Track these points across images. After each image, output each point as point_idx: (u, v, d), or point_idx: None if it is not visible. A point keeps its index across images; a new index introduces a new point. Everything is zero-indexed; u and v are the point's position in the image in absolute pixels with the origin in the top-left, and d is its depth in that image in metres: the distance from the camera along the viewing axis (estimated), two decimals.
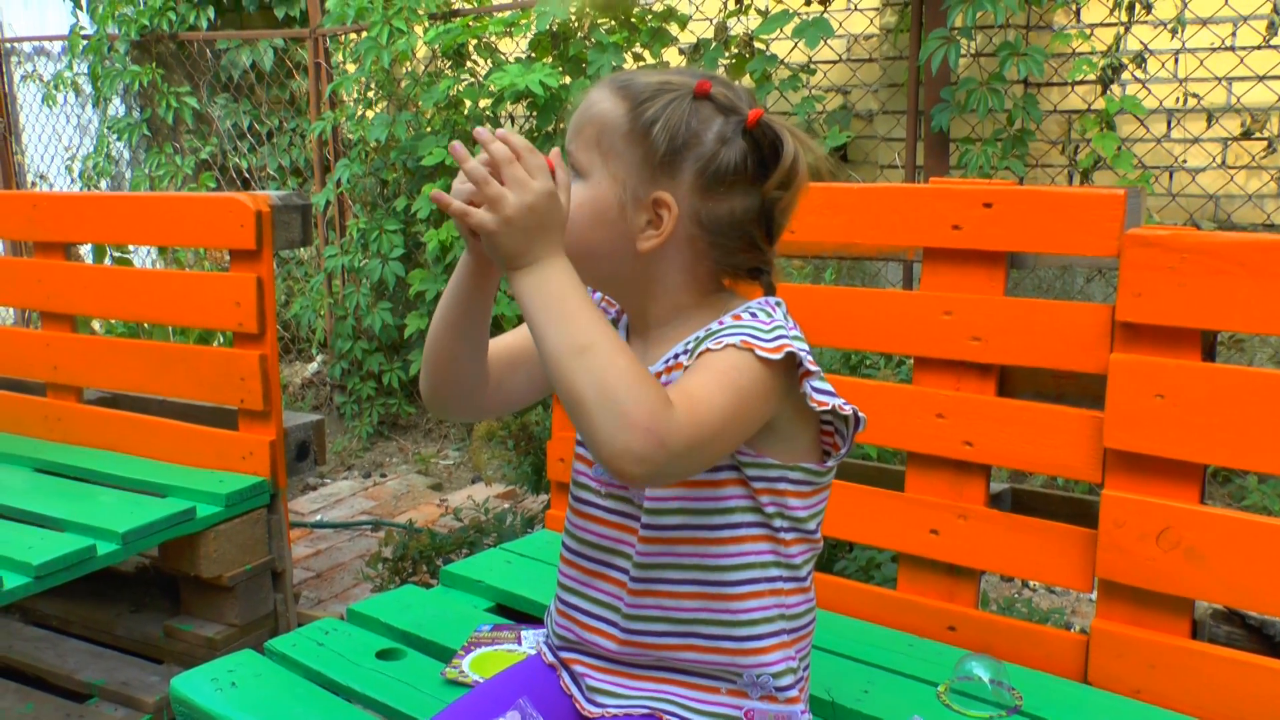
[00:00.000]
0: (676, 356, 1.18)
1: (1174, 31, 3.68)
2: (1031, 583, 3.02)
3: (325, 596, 3.12)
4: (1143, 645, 1.56)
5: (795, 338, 1.13)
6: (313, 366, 5.14)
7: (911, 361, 1.80)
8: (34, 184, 6.39)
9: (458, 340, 1.23)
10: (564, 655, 1.31)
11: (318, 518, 3.78)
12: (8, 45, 6.31)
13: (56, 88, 5.91)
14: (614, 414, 1.00)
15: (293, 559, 2.72)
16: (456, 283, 1.21)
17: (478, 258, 1.18)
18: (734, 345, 1.09)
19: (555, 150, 1.14)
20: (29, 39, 6.19)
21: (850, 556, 2.44)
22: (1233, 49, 3.66)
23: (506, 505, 3.51)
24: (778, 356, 1.09)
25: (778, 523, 1.19)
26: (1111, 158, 3.57)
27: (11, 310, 5.75)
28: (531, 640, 1.72)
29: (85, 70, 5.76)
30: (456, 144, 1.13)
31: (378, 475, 4.26)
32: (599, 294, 1.33)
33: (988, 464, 1.71)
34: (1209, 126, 3.74)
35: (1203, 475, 1.52)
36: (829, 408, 1.13)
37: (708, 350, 1.11)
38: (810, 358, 1.12)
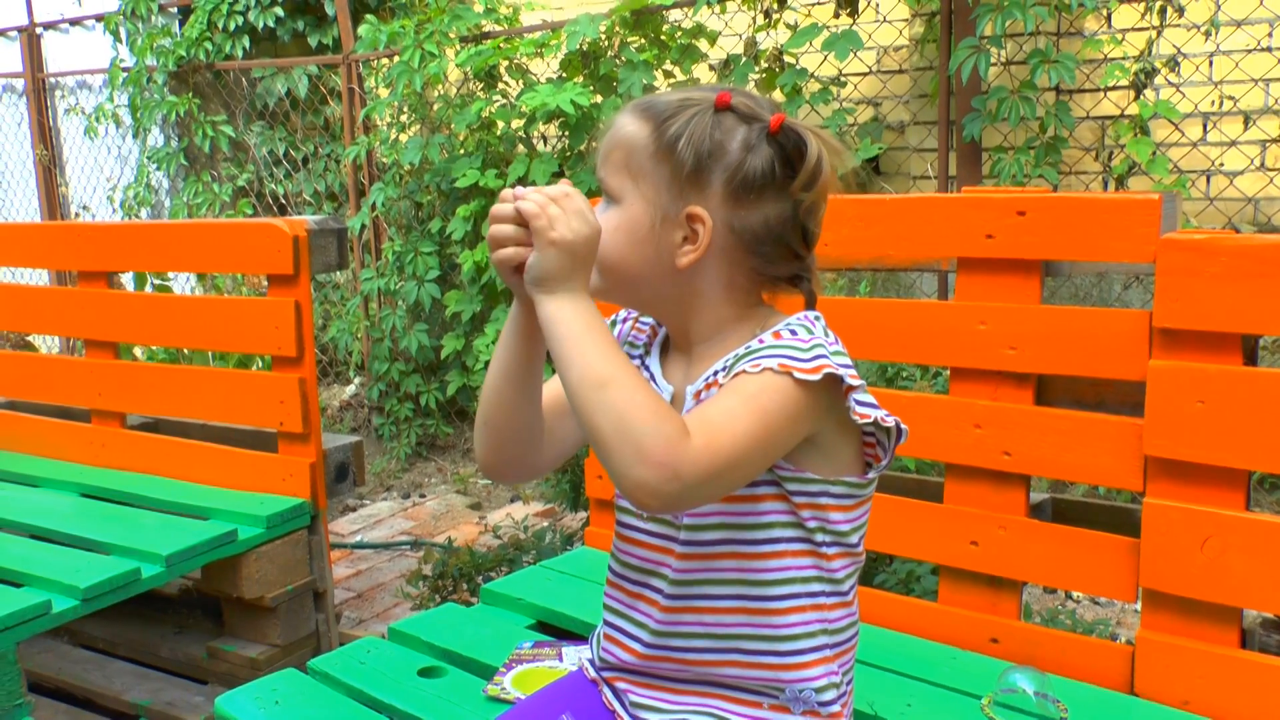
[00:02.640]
0: (716, 374, 1.18)
1: (1208, 34, 3.65)
2: (1075, 594, 2.99)
3: (366, 616, 3.14)
4: (1190, 655, 1.54)
5: (835, 353, 1.12)
6: (350, 389, 5.18)
7: (948, 372, 1.79)
8: (77, 215, 6.51)
9: (517, 390, 1.24)
10: (607, 675, 1.31)
11: (358, 538, 3.80)
12: (51, 80, 6.43)
13: (97, 120, 6.02)
14: (630, 448, 1.03)
15: (333, 579, 2.74)
16: (509, 332, 1.22)
17: (527, 306, 1.18)
18: (771, 369, 1.09)
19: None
20: (71, 73, 6.31)
21: (890, 569, 2.42)
22: (1269, 50, 3.63)
23: (545, 523, 3.51)
24: (816, 378, 1.09)
25: (819, 537, 1.18)
26: (1146, 163, 3.53)
27: (57, 339, 5.85)
28: (573, 656, 1.72)
29: (125, 102, 5.86)
30: (507, 190, 1.16)
31: (417, 495, 4.29)
32: (635, 313, 1.33)
33: (1027, 474, 1.70)
34: (1246, 129, 3.70)
35: (1247, 481, 1.50)
36: (871, 420, 1.13)
37: (743, 373, 1.11)
38: (852, 372, 1.12)
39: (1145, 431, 1.55)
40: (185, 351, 3.95)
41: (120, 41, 5.83)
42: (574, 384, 1.08)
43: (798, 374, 1.09)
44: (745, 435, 1.07)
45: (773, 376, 1.09)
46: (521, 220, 1.13)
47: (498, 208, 1.16)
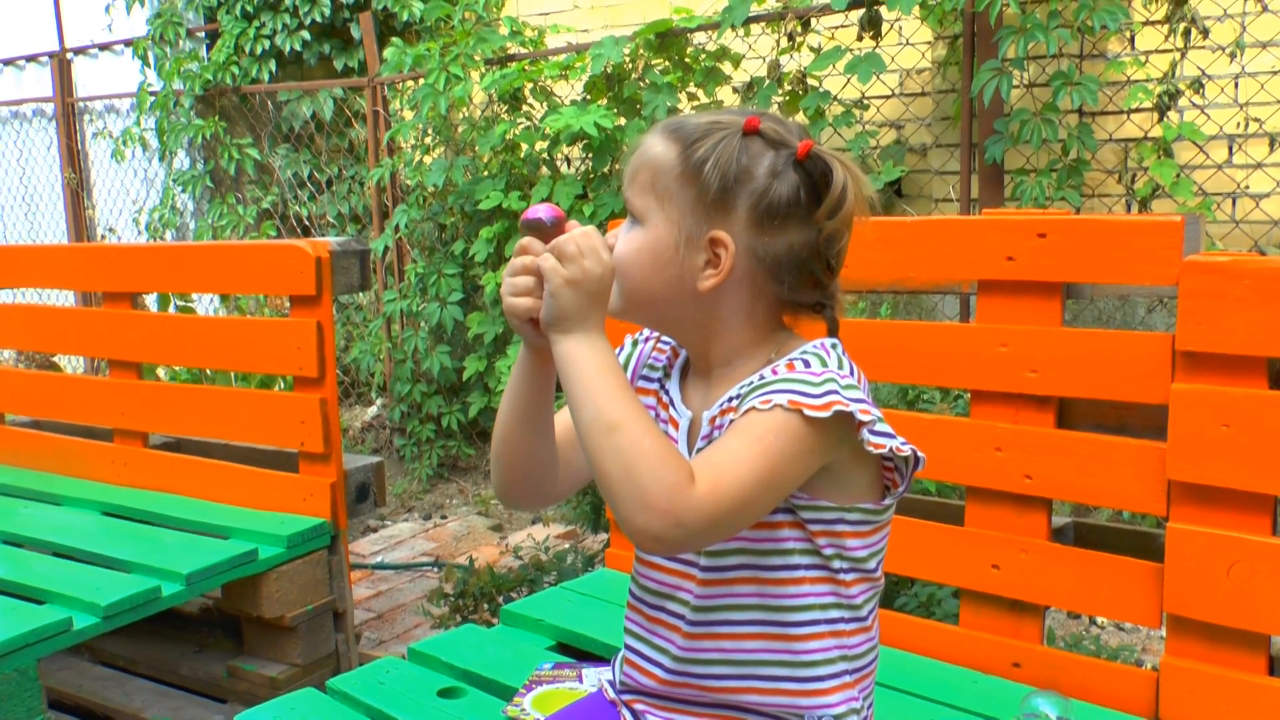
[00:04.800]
0: (731, 400, 1.18)
1: (1233, 55, 3.63)
2: (1100, 620, 2.95)
3: (386, 637, 3.14)
4: (1216, 682, 1.52)
5: (847, 386, 1.11)
6: (372, 410, 5.20)
7: (969, 395, 1.78)
8: (103, 237, 6.57)
9: (528, 432, 1.26)
10: (627, 698, 1.30)
11: (378, 559, 3.81)
12: (80, 104, 6.52)
13: (125, 143, 6.09)
14: (635, 494, 1.04)
15: (354, 600, 2.74)
16: (519, 377, 1.24)
17: (535, 351, 1.20)
18: (782, 406, 1.09)
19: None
20: (100, 97, 6.39)
21: (911, 592, 2.41)
22: None
23: (567, 545, 3.51)
24: (826, 415, 1.08)
25: (836, 564, 1.18)
26: (1170, 185, 3.51)
27: (82, 359, 5.89)
28: (593, 678, 1.71)
29: (152, 125, 5.93)
30: (526, 239, 1.17)
31: (438, 517, 4.29)
32: (655, 332, 1.33)
33: (1048, 497, 1.68)
34: (1272, 151, 3.68)
35: (1273, 506, 1.49)
36: (886, 450, 1.12)
37: (753, 410, 1.10)
38: (863, 406, 1.10)
39: (1168, 455, 1.53)
40: (208, 372, 3.97)
41: (148, 66, 5.90)
42: (585, 426, 1.09)
43: (808, 411, 1.08)
44: (751, 478, 1.07)
45: (782, 414, 1.08)
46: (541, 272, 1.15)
47: (519, 259, 1.16)
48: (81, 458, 2.95)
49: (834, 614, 1.18)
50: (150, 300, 4.40)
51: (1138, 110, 3.75)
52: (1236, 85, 3.74)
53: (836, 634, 1.19)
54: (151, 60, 5.89)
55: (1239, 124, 3.71)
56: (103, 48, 6.40)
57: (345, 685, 1.75)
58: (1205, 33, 3.59)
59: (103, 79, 6.43)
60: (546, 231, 1.16)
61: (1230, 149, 3.77)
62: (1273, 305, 1.44)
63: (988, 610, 1.74)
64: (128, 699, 2.57)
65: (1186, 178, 3.58)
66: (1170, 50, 3.71)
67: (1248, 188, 3.71)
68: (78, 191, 6.57)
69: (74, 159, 6.55)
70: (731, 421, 1.13)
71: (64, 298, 6.10)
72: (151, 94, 5.80)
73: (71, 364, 6.05)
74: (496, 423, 1.27)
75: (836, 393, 1.10)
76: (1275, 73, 3.62)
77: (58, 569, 2.35)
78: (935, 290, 1.86)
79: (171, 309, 4.17)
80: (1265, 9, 3.58)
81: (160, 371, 4.07)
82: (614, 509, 1.07)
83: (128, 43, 6.10)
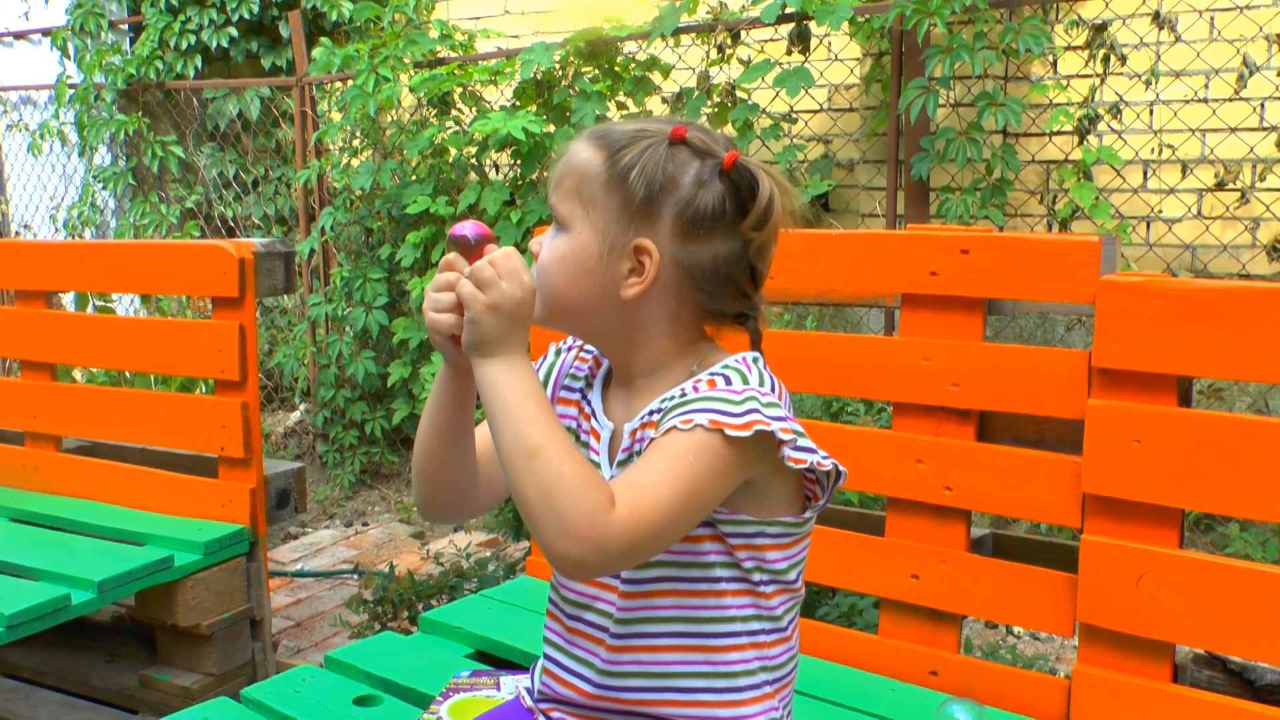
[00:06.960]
0: (652, 414, 1.18)
1: (1148, 83, 3.74)
2: (1016, 630, 3.01)
3: (305, 645, 3.09)
4: (1125, 689, 1.56)
5: (769, 404, 1.11)
6: (295, 415, 5.12)
7: (891, 407, 1.80)
8: (18, 234, 6.39)
9: (449, 447, 1.25)
10: (544, 706, 1.30)
11: (298, 567, 3.75)
12: None
13: (42, 137, 5.93)
14: (554, 520, 1.04)
15: (272, 608, 2.70)
16: (440, 393, 1.23)
17: (456, 367, 1.20)
18: (703, 426, 1.08)
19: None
20: (15, 88, 6.22)
21: (832, 602, 2.43)
22: (1205, 101, 3.72)
23: (489, 553, 3.49)
24: (747, 434, 1.08)
25: (756, 576, 1.18)
26: (1089, 207, 3.60)
27: None
28: (510, 686, 1.70)
29: (72, 119, 5.78)
30: (451, 255, 1.16)
31: (359, 524, 4.24)
32: (580, 341, 1.33)
33: (967, 509, 1.71)
34: (1184, 177, 3.79)
35: (1181, 520, 1.53)
36: (806, 465, 1.12)
37: (674, 429, 1.10)
38: (784, 425, 1.11)
39: (1084, 469, 1.57)
40: (126, 374, 3.88)
41: (68, 57, 5.76)
42: (506, 451, 1.08)
43: (729, 431, 1.08)
44: (672, 499, 1.07)
45: (703, 435, 1.08)
46: None
47: (442, 276, 1.15)
48: None
49: (754, 625, 1.19)
50: (68, 299, 4.28)
51: (1059, 133, 3.84)
52: (1152, 112, 3.85)
53: (757, 645, 1.19)
54: (71, 52, 5.75)
55: (1154, 150, 3.82)
56: (18, 36, 6.22)
57: (260, 694, 1.72)
58: (1123, 59, 3.70)
59: (18, 69, 6.24)
60: (471, 249, 1.15)
61: (1145, 174, 3.88)
62: (1183, 325, 1.49)
63: (907, 620, 1.77)
64: (33, 711, 2.49)
65: (1105, 200, 3.67)
66: (1090, 75, 3.81)
67: (1161, 212, 3.83)
68: None
69: None
70: (652, 439, 1.13)
71: None
72: (71, 87, 5.66)
73: None
74: (417, 438, 1.26)
75: (758, 411, 1.10)
76: (1187, 101, 3.74)
77: None
78: (860, 303, 1.89)
79: (90, 309, 4.07)
80: (1179, 39, 3.69)
81: (77, 373, 3.97)
82: (535, 535, 1.06)
83: (46, 32, 5.94)
